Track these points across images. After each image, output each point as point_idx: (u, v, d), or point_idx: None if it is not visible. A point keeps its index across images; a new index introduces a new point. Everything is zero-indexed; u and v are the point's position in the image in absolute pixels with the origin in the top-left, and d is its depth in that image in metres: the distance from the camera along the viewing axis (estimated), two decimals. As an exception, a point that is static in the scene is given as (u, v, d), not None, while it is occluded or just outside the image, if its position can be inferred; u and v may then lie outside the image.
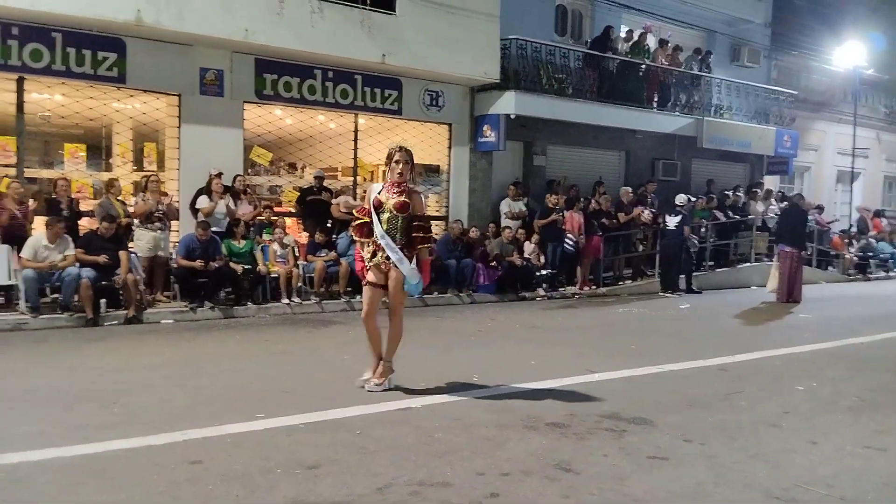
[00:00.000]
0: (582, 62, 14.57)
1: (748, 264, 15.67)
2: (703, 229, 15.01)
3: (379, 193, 5.44)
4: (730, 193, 16.57)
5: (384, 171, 5.61)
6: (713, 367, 6.79)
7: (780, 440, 4.60)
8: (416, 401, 5.24)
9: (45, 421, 4.61)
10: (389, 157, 5.46)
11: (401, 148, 5.44)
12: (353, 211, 5.79)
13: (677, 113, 16.02)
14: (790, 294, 12.31)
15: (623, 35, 15.88)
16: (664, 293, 13.17)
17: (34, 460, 3.87)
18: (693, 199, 14.50)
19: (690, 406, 5.34)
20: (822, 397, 5.74)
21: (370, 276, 5.48)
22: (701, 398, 5.57)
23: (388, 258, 5.39)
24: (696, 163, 17.55)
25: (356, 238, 5.68)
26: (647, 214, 14.25)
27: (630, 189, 14.58)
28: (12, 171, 9.95)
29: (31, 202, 9.87)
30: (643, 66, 15.45)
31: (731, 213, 16.05)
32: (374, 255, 5.45)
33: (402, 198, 5.38)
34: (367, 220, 5.45)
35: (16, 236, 9.03)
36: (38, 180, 10.98)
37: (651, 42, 16.16)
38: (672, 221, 13.31)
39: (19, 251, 8.78)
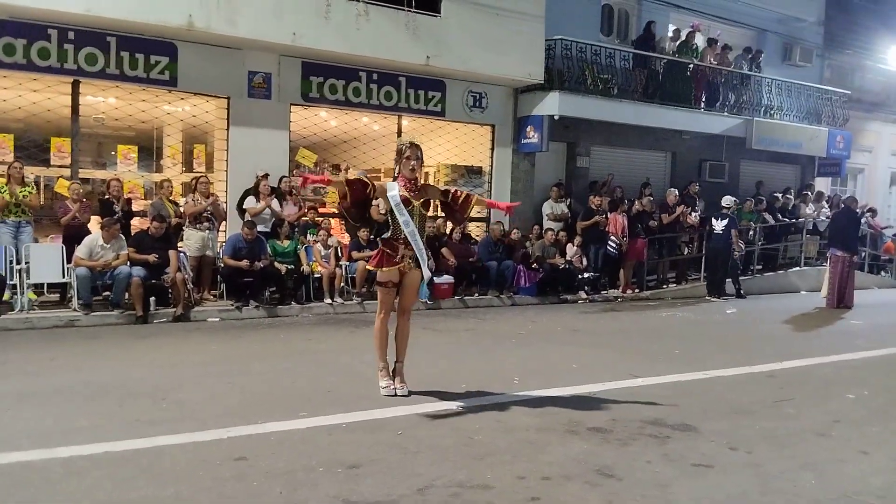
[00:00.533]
0: (628, 62, 14.39)
1: (797, 268, 15.29)
2: (751, 232, 14.69)
3: (397, 191, 5.26)
4: (779, 196, 16.19)
5: (395, 168, 5.40)
6: (761, 374, 6.65)
7: (830, 450, 4.49)
8: (457, 403, 5.25)
9: (98, 415, 4.76)
10: (400, 153, 5.32)
11: (412, 144, 5.35)
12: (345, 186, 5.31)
13: (726, 113, 15.71)
14: (841, 299, 11.98)
15: (671, 34, 15.65)
16: (710, 297, 12.94)
17: (87, 454, 4.00)
18: (739, 201, 14.19)
19: (736, 413, 5.24)
20: (873, 406, 5.57)
21: (389, 276, 5.33)
22: (747, 405, 5.46)
23: (412, 258, 5.32)
24: (745, 164, 17.20)
25: (350, 219, 5.59)
26: (692, 217, 14.01)
27: (675, 190, 14.35)
28: (67, 172, 10.28)
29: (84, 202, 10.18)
30: (691, 66, 15.19)
31: (780, 216, 15.68)
32: (395, 252, 5.30)
33: (427, 196, 5.41)
34: (372, 194, 5.30)
35: (77, 236, 9.32)
36: (91, 181, 11.34)
37: (699, 41, 15.90)
38: (719, 224, 13.07)
39: (71, 250, 9.07)
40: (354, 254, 10.82)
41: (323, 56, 11.38)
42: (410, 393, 5.39)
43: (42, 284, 9.37)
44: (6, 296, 8.65)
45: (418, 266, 5.36)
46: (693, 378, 6.36)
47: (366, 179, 5.38)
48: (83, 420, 4.64)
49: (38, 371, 6.17)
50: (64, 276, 9.16)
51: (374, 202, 5.43)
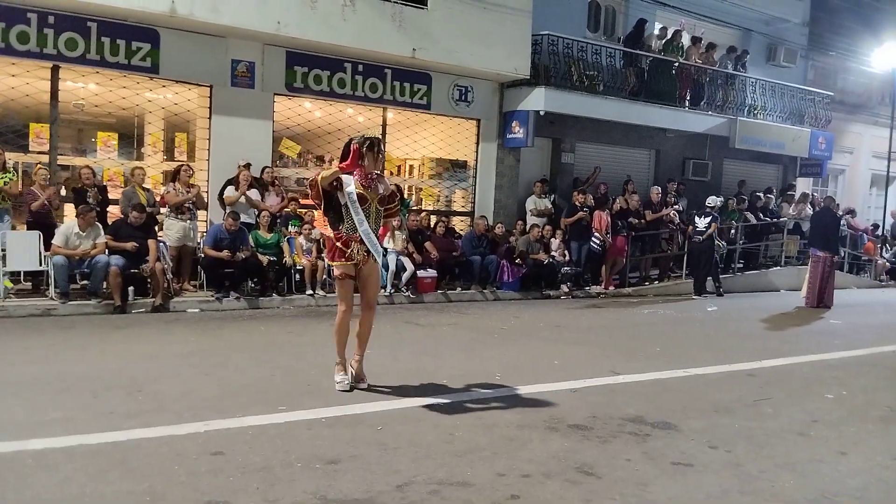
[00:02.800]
0: (614, 59, 14.40)
1: (778, 268, 15.42)
2: (732, 231, 14.79)
3: (353, 188, 5.17)
4: (761, 195, 16.30)
5: (357, 160, 5.22)
6: (740, 373, 6.67)
7: (809, 449, 4.52)
8: (438, 398, 5.21)
9: (73, 407, 4.68)
10: (371, 147, 5.18)
11: (376, 139, 5.23)
12: (308, 194, 5.36)
13: (710, 112, 15.78)
14: (821, 299, 12.09)
15: (657, 32, 15.68)
16: (695, 295, 13.00)
17: (61, 447, 3.93)
18: (723, 200, 14.26)
19: (716, 412, 5.25)
20: (852, 406, 5.62)
21: (344, 270, 5.25)
22: (727, 404, 5.48)
23: (367, 252, 5.24)
24: (728, 163, 17.31)
25: (322, 230, 5.49)
26: (673, 214, 14.06)
27: (659, 188, 14.40)
28: (45, 159, 10.11)
29: (60, 189, 10.02)
30: (676, 64, 15.23)
31: (762, 215, 15.80)
32: (347, 247, 5.21)
33: (384, 190, 5.32)
34: (318, 202, 5.23)
35: (42, 223, 9.16)
36: (70, 168, 11.16)
37: (685, 40, 15.94)
38: (702, 223, 13.13)
39: (47, 238, 8.93)
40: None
41: (308, 46, 11.28)
42: (370, 387, 5.33)
43: (18, 272, 9.21)
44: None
45: (373, 257, 5.29)
46: (674, 376, 6.38)
47: (318, 181, 5.22)
48: (56, 412, 4.56)
49: (11, 361, 6.05)
50: (41, 265, 9.01)
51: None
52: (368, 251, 5.24)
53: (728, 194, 15.63)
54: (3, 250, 8.73)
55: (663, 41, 15.52)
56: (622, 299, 12.57)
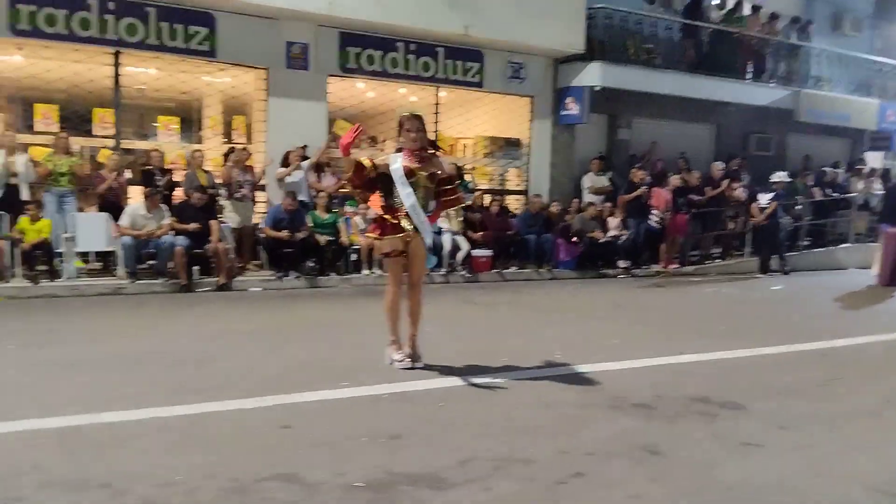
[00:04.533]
0: (672, 31, 14.01)
1: (846, 245, 14.86)
2: (797, 207, 14.31)
3: (400, 163, 5.14)
4: (828, 170, 15.70)
5: (399, 136, 5.25)
6: (810, 352, 6.47)
7: (882, 431, 4.34)
8: (497, 377, 5.20)
9: (145, 382, 4.83)
10: (400, 126, 5.20)
11: (412, 116, 5.19)
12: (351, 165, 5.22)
13: (773, 84, 15.24)
14: (893, 277, 11.61)
15: (717, 2, 15.17)
16: (761, 274, 12.65)
17: (134, 420, 4.06)
18: (790, 176, 13.79)
19: (786, 392, 5.10)
20: (928, 387, 5.39)
21: (393, 245, 5.21)
22: (797, 384, 5.32)
23: (414, 227, 5.19)
24: (793, 137, 16.73)
25: (358, 198, 5.45)
26: (738, 191, 13.65)
27: (721, 164, 13.99)
28: (110, 143, 10.43)
29: (126, 172, 10.34)
30: (737, 36, 14.72)
31: (829, 191, 15.22)
32: (395, 220, 5.18)
33: (440, 171, 5.28)
34: (372, 174, 5.16)
35: (112, 205, 9.47)
36: (133, 151, 11.49)
37: (746, 10, 15.39)
38: (764, 199, 12.73)
39: (116, 220, 9.22)
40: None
41: (360, 26, 11.29)
42: (427, 365, 5.32)
43: (88, 253, 9.56)
44: (54, 263, 8.83)
45: (420, 235, 5.24)
46: (739, 355, 6.21)
47: (370, 161, 5.22)
48: (130, 387, 4.71)
49: (86, 338, 6.29)
50: (109, 245, 9.32)
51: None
52: (416, 227, 5.21)
53: (793, 169, 15.11)
54: (74, 231, 9.04)
55: (723, 12, 15.02)
56: (683, 278, 12.31)
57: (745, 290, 11.02)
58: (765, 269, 12.81)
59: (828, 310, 9.35)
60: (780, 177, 12.95)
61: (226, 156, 10.33)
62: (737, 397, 4.84)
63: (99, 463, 3.42)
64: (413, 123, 5.17)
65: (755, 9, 15.36)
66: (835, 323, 8.19)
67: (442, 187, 5.39)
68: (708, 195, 13.36)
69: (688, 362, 5.90)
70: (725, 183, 13.54)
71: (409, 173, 5.15)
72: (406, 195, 5.12)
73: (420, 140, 5.20)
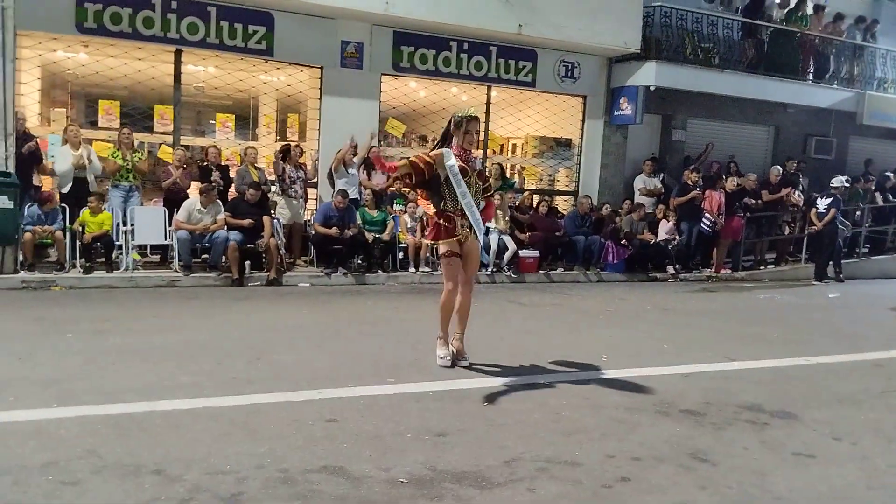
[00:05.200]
0: (731, 30, 13.69)
1: (908, 253, 14.33)
2: (857, 213, 13.84)
3: (452, 159, 5.15)
4: (891, 175, 15.13)
5: (458, 135, 5.23)
6: (866, 362, 6.27)
7: (944, 446, 4.19)
8: (543, 377, 5.19)
9: (198, 372, 4.96)
10: (459, 126, 5.18)
11: (473, 117, 5.20)
12: (406, 160, 5.28)
13: (835, 86, 14.75)
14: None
15: (779, 1, 14.77)
16: (816, 281, 12.29)
17: (188, 409, 4.18)
18: (849, 180, 13.33)
19: (840, 402, 4.96)
20: None
21: (450, 247, 5.24)
22: (852, 394, 5.17)
23: (469, 227, 5.21)
24: (855, 141, 16.15)
25: (426, 208, 5.48)
26: (795, 195, 13.27)
27: (779, 168, 13.61)
28: (169, 139, 10.71)
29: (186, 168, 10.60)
30: (798, 35, 14.31)
31: (891, 197, 14.67)
32: (450, 223, 5.21)
33: (479, 168, 5.34)
34: (426, 168, 5.14)
35: (177, 200, 9.74)
36: (191, 147, 11.78)
37: (809, 9, 14.94)
38: (823, 204, 12.36)
39: (171, 214, 9.48)
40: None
41: (414, 25, 11.34)
42: (472, 365, 5.34)
43: (145, 245, 9.84)
44: (113, 255, 9.13)
45: (475, 234, 5.26)
46: (793, 364, 6.06)
47: (427, 158, 5.22)
48: (183, 376, 4.85)
49: (141, 328, 6.48)
50: (166, 239, 9.59)
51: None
52: (471, 226, 5.23)
53: (854, 174, 14.62)
54: (133, 224, 9.33)
55: (785, 11, 14.60)
56: (735, 283, 12.04)
57: (799, 297, 10.72)
58: (821, 276, 12.43)
59: (885, 319, 9.04)
60: (839, 181, 12.54)
61: (282, 153, 10.48)
62: (789, 406, 4.73)
63: (152, 450, 3.53)
64: (474, 125, 5.24)
65: (818, 8, 14.89)
66: (892, 333, 7.91)
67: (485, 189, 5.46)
68: (765, 199, 13.02)
69: (739, 369, 5.79)
70: (787, 190, 13.16)
71: (463, 172, 5.18)
72: (461, 193, 5.15)
73: (474, 142, 5.24)
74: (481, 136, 12.38)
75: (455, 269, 5.30)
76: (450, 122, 5.31)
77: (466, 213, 5.18)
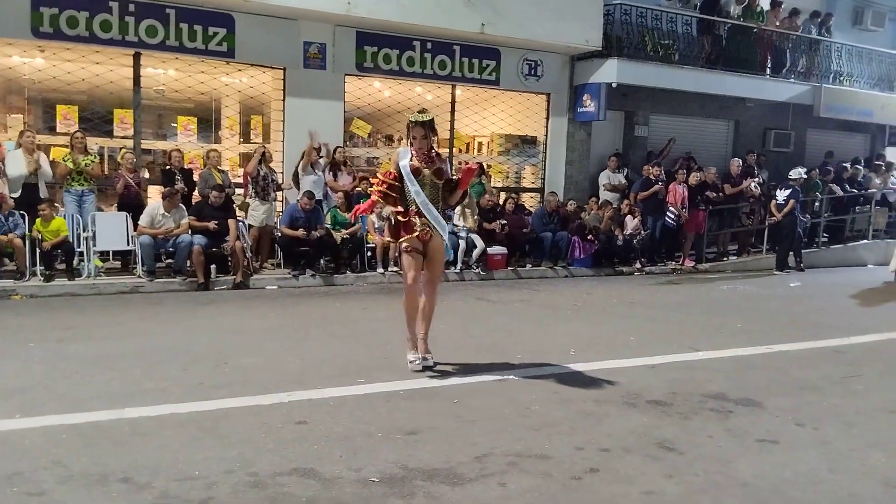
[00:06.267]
0: (691, 27, 13.92)
1: (865, 241, 14.70)
2: (816, 203, 14.17)
3: (409, 160, 5.20)
4: (847, 165, 15.53)
5: (408, 139, 5.31)
6: (827, 349, 6.44)
7: (901, 428, 4.32)
8: (512, 373, 5.22)
9: (164, 378, 4.90)
10: (408, 129, 5.26)
11: (417, 123, 5.19)
12: (376, 176, 5.49)
13: (792, 80, 15.09)
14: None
15: (735, -3, 15.05)
16: (778, 271, 12.56)
17: (155, 415, 4.13)
18: (806, 172, 13.64)
19: (802, 389, 5.09)
20: (950, 385, 5.33)
21: (411, 243, 5.24)
22: (814, 381, 5.30)
23: (429, 225, 5.20)
24: (813, 133, 16.56)
25: (383, 204, 5.46)
26: (754, 187, 13.55)
27: (739, 161, 13.88)
28: (129, 143, 10.53)
29: (145, 172, 10.45)
30: (755, 31, 14.60)
31: (848, 187, 15.06)
32: (414, 224, 5.22)
33: (439, 165, 5.27)
34: (397, 184, 5.23)
35: (131, 204, 9.59)
36: (152, 151, 11.61)
37: (764, 4, 15.25)
38: (782, 195, 12.64)
39: (135, 219, 9.33)
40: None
41: (377, 25, 11.32)
42: (436, 364, 5.31)
43: (107, 252, 9.67)
44: (74, 262, 8.95)
45: (438, 232, 5.26)
46: (756, 352, 6.19)
47: (388, 172, 5.31)
48: (149, 383, 4.79)
49: (105, 335, 6.38)
50: (128, 244, 9.43)
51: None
52: (430, 225, 5.22)
53: (812, 165, 14.96)
54: (93, 230, 9.16)
55: (742, 7, 14.88)
56: (699, 275, 12.25)
57: (761, 287, 10.94)
58: (782, 266, 12.71)
59: (845, 307, 9.27)
60: (797, 173, 12.83)
61: (259, 156, 10.36)
62: (752, 394, 4.83)
63: (119, 458, 3.49)
64: (418, 130, 5.21)
65: (775, 4, 15.21)
66: (852, 320, 8.12)
67: (449, 191, 5.38)
68: (728, 193, 13.26)
69: (703, 359, 5.90)
70: (747, 182, 13.42)
71: (416, 171, 5.19)
72: (416, 192, 5.16)
73: (425, 145, 5.24)
74: (445, 136, 12.41)
75: (413, 261, 5.26)
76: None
77: (422, 210, 5.19)
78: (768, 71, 14.94)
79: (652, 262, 12.52)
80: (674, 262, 12.76)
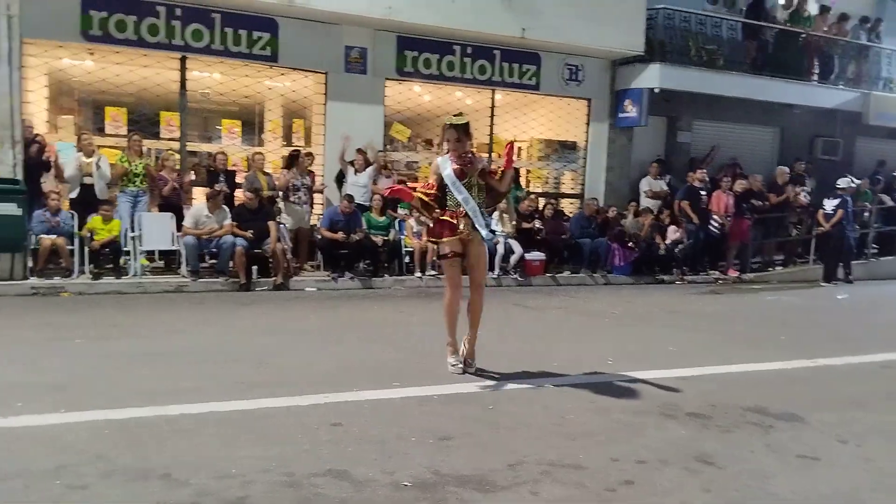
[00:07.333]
0: (736, 32, 13.69)
1: (918, 253, 14.25)
2: (865, 214, 13.79)
3: (450, 169, 5.18)
4: (897, 175, 15.10)
5: (442, 142, 5.34)
6: (873, 364, 6.25)
7: (950, 447, 4.18)
8: (548, 381, 5.19)
9: (204, 377, 4.99)
10: (444, 131, 5.27)
11: (451, 126, 5.18)
12: (417, 188, 5.52)
13: (841, 86, 14.72)
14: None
15: (782, 2, 14.76)
16: (825, 283, 12.26)
17: (194, 413, 4.20)
18: (857, 182, 13.29)
19: (846, 404, 4.95)
20: None
21: (452, 247, 5.21)
22: (858, 397, 5.15)
23: (473, 227, 5.18)
24: (862, 141, 16.10)
25: (428, 213, 5.43)
26: (802, 197, 13.24)
27: (786, 168, 13.58)
28: (175, 145, 10.77)
29: (190, 174, 10.67)
30: (803, 36, 14.29)
31: (899, 197, 14.63)
32: (453, 220, 5.20)
33: (479, 166, 5.23)
34: (437, 194, 5.22)
35: (174, 205, 9.80)
36: (197, 153, 11.85)
37: (812, 9, 14.93)
38: (830, 205, 12.33)
39: (178, 220, 9.54)
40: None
41: (418, 30, 11.38)
42: (478, 370, 5.29)
43: (153, 251, 9.90)
44: (121, 261, 9.19)
45: (479, 236, 5.22)
46: (800, 366, 6.05)
47: (430, 183, 5.31)
48: (190, 380, 4.88)
49: (149, 333, 6.53)
50: (173, 244, 9.64)
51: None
52: (474, 226, 5.20)
53: (861, 174, 14.55)
54: (141, 230, 9.38)
55: (789, 11, 14.59)
56: (743, 285, 12.02)
57: (807, 298, 10.69)
58: (829, 277, 12.40)
59: (893, 320, 9.00)
60: (846, 182, 12.51)
61: (288, 159, 10.53)
62: (795, 409, 4.72)
63: (160, 454, 3.56)
64: (452, 133, 5.20)
65: (823, 9, 14.88)
66: (902, 334, 7.89)
67: (492, 192, 5.35)
68: (772, 202, 12.99)
69: (745, 372, 5.78)
70: (791, 189, 13.13)
71: (461, 175, 5.18)
72: (464, 199, 5.15)
73: (460, 149, 5.21)
74: (484, 140, 12.42)
75: (455, 272, 5.27)
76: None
77: (469, 214, 5.18)
78: (816, 77, 14.60)
79: (694, 272, 12.31)
80: (717, 272, 12.53)
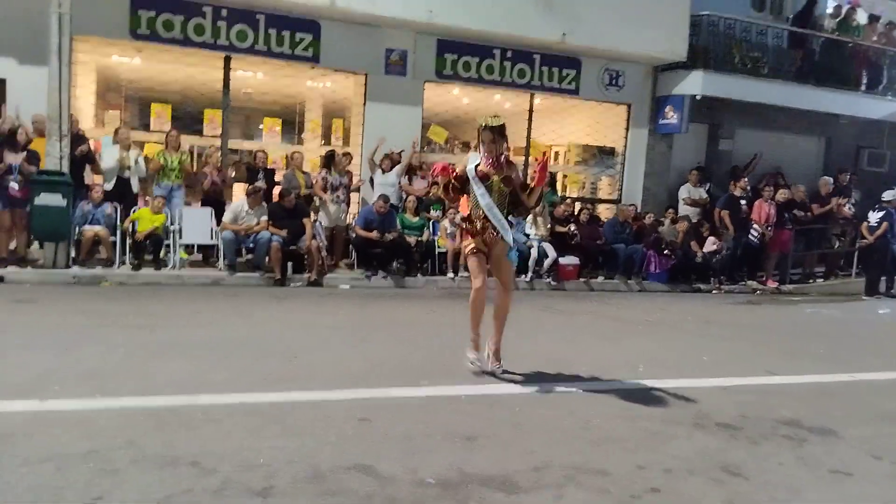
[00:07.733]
0: (781, 39, 13.44)
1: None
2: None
3: (478, 165, 5.19)
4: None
5: (478, 142, 5.32)
6: (914, 381, 6.08)
7: None
8: (576, 385, 5.16)
9: (236, 368, 5.07)
10: (477, 133, 5.26)
11: (486, 127, 5.16)
12: (438, 172, 5.51)
13: (889, 97, 14.35)
14: None
15: (830, 11, 14.45)
16: (867, 296, 11.96)
17: (224, 403, 4.27)
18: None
19: (882, 420, 4.82)
20: None
21: (477, 245, 5.22)
22: (895, 413, 5.02)
23: (495, 230, 5.18)
24: (910, 153, 15.68)
25: (444, 194, 5.39)
26: (846, 208, 12.93)
27: (830, 179, 13.28)
28: (218, 142, 10.98)
29: (232, 171, 10.87)
30: (850, 45, 13.96)
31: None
32: (477, 227, 5.22)
33: (507, 173, 5.21)
34: (456, 185, 5.23)
35: (213, 201, 9.98)
36: (239, 151, 12.06)
37: (861, 18, 14.58)
38: (874, 217, 12.02)
39: (215, 215, 9.71)
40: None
41: (458, 33, 11.43)
42: (505, 371, 5.28)
43: (192, 245, 10.10)
44: (161, 253, 9.39)
45: (502, 237, 5.22)
46: (836, 380, 5.91)
47: (459, 171, 5.32)
48: (221, 372, 4.96)
49: (184, 324, 6.66)
50: (212, 239, 9.82)
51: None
52: (496, 230, 5.21)
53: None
54: (180, 224, 9.58)
55: (837, 20, 14.27)
56: (781, 297, 11.78)
57: (847, 312, 10.43)
58: (871, 291, 12.09)
59: (940, 338, 8.74)
60: (891, 195, 12.18)
61: (324, 158, 10.66)
62: (829, 422, 4.61)
63: (189, 442, 3.63)
64: (487, 135, 5.19)
65: (872, 18, 14.52)
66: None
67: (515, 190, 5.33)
68: (815, 212, 12.71)
69: (779, 384, 5.67)
70: (835, 201, 12.83)
71: (485, 176, 5.18)
72: (481, 195, 5.16)
73: (494, 150, 5.21)
74: (522, 144, 12.39)
75: (478, 264, 5.25)
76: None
77: (487, 215, 5.18)
78: (863, 87, 14.25)
79: (732, 281, 12.11)
80: (755, 282, 12.30)
